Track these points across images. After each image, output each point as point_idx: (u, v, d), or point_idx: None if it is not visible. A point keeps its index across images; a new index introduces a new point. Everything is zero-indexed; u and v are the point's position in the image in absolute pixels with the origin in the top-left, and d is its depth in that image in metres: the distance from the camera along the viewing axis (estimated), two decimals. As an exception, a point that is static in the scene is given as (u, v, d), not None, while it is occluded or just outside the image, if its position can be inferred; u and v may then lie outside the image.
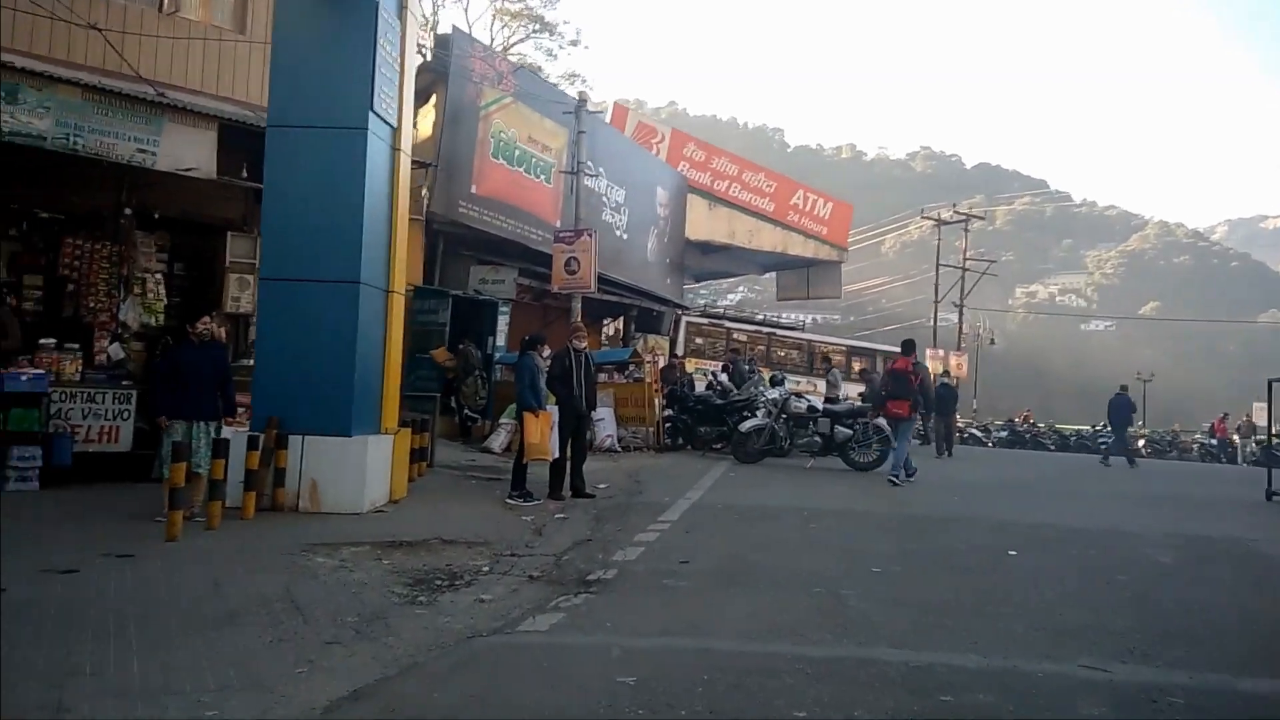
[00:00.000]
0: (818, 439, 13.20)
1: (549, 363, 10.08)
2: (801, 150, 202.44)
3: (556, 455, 9.87)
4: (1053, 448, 36.01)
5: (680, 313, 25.33)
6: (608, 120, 23.31)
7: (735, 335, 25.88)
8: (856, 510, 9.41)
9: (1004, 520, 9.16)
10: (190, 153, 10.33)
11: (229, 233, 11.52)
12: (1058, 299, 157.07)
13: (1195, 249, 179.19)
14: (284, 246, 8.37)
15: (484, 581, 5.93)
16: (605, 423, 14.92)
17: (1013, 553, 7.14)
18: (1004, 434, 37.43)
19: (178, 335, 10.47)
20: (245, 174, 10.84)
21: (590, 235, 17.22)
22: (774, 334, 26.50)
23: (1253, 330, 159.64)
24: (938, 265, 41.32)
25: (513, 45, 30.77)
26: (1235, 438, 30.61)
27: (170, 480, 6.88)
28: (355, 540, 7.00)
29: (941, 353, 35.79)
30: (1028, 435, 37.10)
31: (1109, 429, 24.03)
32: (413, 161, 15.19)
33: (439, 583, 5.83)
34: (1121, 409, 21.26)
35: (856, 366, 26.35)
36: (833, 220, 27.39)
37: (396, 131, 9.07)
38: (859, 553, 6.99)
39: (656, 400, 15.37)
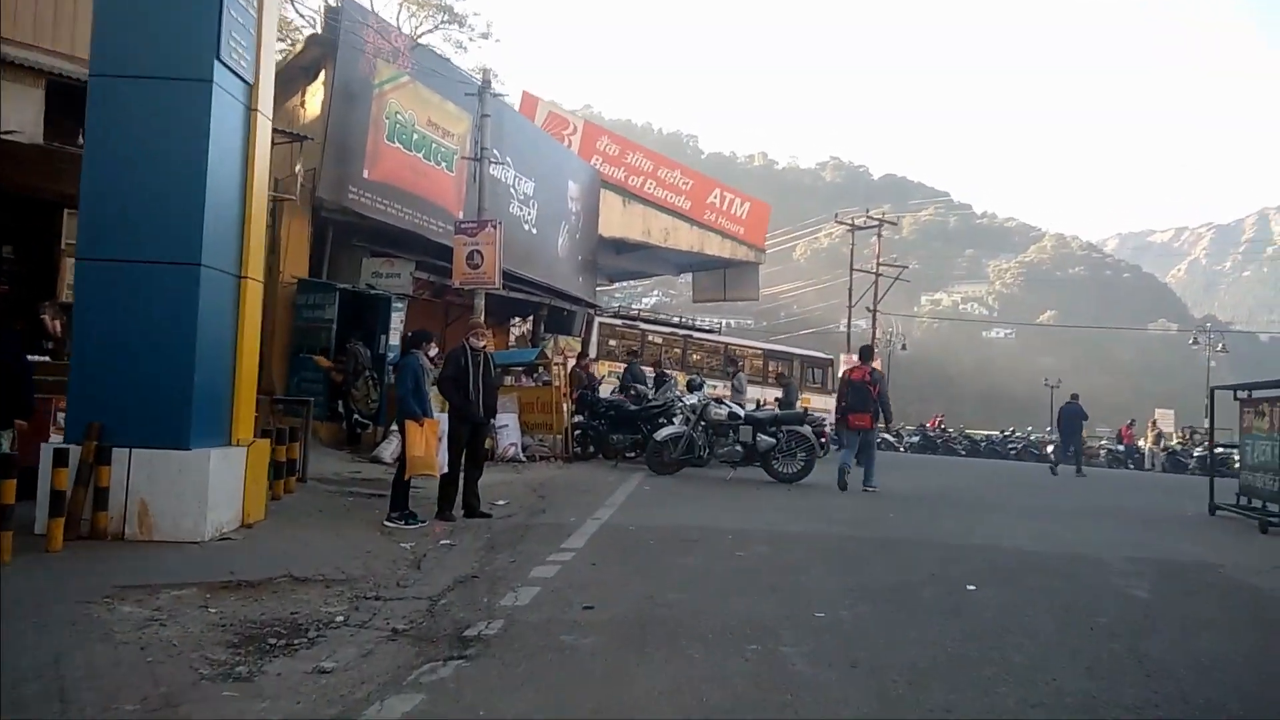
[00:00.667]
0: (739, 448, 12.17)
1: (441, 364, 8.79)
2: (715, 157, 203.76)
3: (446, 469, 8.58)
4: (963, 453, 36.02)
5: (593, 313, 24.17)
6: (517, 109, 21.99)
7: (650, 338, 24.83)
8: (788, 532, 8.35)
9: (950, 543, 8.24)
10: (12, 114, 8.72)
11: (65, 210, 9.87)
12: (960, 307, 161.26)
13: (1089, 260, 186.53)
14: (107, 220, 6.89)
15: (332, 638, 4.62)
16: (509, 430, 13.65)
17: (971, 587, 6.15)
18: (916, 439, 37.36)
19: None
20: (81, 141, 9.25)
21: (495, 226, 15.88)
22: (690, 337, 25.54)
23: (1144, 338, 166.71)
24: (851, 269, 41.10)
25: (420, 35, 29.15)
26: (1143, 444, 30.98)
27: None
28: (182, 580, 5.61)
29: (855, 358, 35.44)
30: (939, 440, 37.06)
31: (1058, 437, 23.81)
32: (286, 134, 13.76)
33: (272, 642, 4.50)
34: (1073, 417, 21.09)
35: (773, 370, 25.57)
36: (750, 220, 26.59)
37: (253, 89, 7.63)
38: (797, 590, 5.90)
39: (566, 406, 14.16)
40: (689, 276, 31.36)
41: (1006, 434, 37.47)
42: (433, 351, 8.51)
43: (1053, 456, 25.67)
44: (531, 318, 22.21)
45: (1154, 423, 30.56)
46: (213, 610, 5.06)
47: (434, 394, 8.88)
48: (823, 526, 8.77)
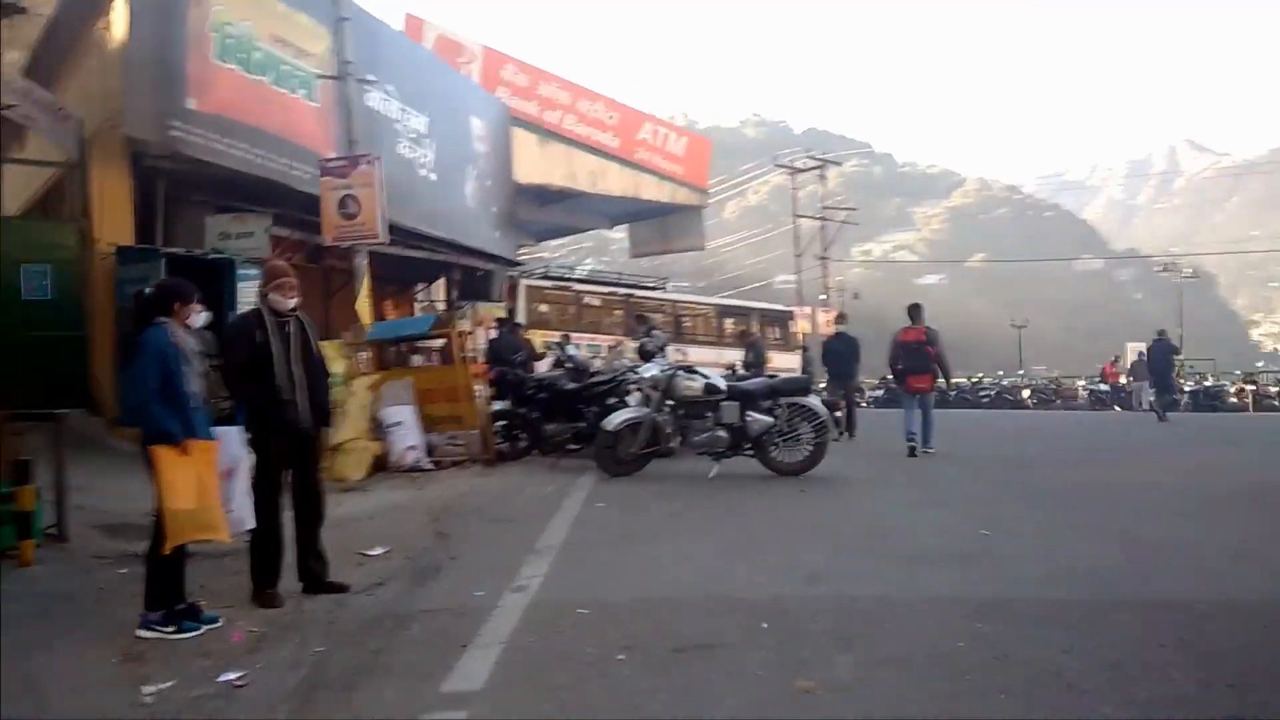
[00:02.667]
0: (723, 433, 8.62)
1: (223, 341, 5.12)
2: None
3: (254, 523, 4.91)
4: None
5: (516, 275, 20.43)
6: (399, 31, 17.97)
7: (587, 300, 21.17)
8: (867, 600, 4.78)
9: (1152, 597, 4.81)
10: None
11: None
12: (892, 256, 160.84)
13: (1011, 202, 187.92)
14: None
15: None
16: (404, 429, 9.91)
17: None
18: (880, 393, 34.43)
19: None
20: None
21: (371, 164, 12.05)
22: (633, 296, 21.92)
23: (1070, 275, 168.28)
24: (795, 215, 37.84)
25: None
26: (1125, 381, 28.37)
27: None
28: None
29: (809, 310, 32.27)
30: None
31: (1150, 380, 21.08)
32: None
33: None
34: (1165, 354, 19.20)
35: (731, 329, 22.16)
36: (689, 157, 22.94)
37: None
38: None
39: (479, 390, 10.45)
40: (625, 232, 27.57)
41: (976, 380, 34.76)
42: (197, 319, 4.70)
43: (1149, 403, 23.03)
44: (443, 280, 18.34)
45: (1143, 355, 27.64)
46: None
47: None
48: (920, 576, 5.19)
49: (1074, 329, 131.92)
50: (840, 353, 13.17)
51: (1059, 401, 31.23)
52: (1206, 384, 26.80)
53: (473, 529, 6.89)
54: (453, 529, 6.85)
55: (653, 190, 22.24)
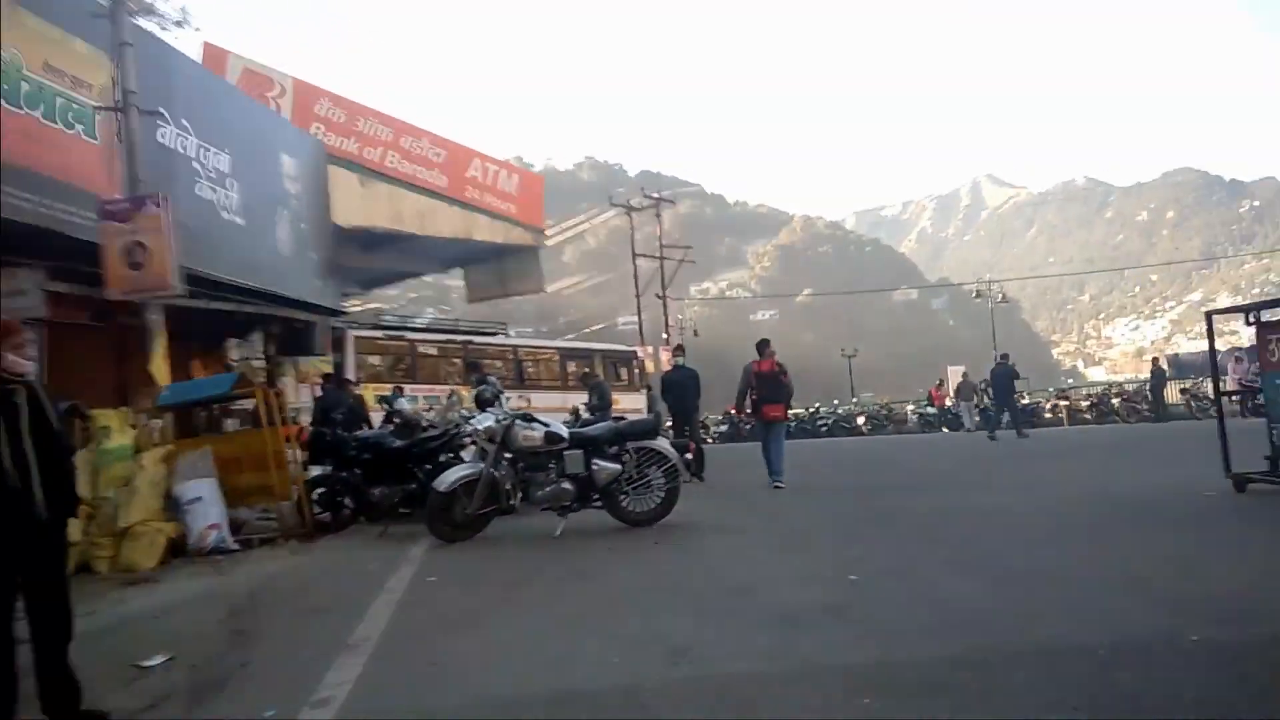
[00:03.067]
0: (568, 485, 7.87)
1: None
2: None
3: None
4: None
5: (344, 326, 19.09)
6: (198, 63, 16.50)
7: (422, 349, 20.03)
8: (725, 667, 4.16)
9: (1045, 642, 4.38)
10: None
11: None
12: (726, 293, 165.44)
13: (834, 238, 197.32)
14: None
15: None
16: (203, 506, 8.62)
17: None
18: (724, 428, 34.51)
19: None
20: None
21: (159, 204, 10.70)
22: (471, 343, 20.94)
23: (890, 305, 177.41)
24: (634, 254, 37.84)
25: None
26: (949, 402, 29.48)
27: None
28: None
29: (651, 349, 32.10)
30: (745, 426, 34.32)
31: (989, 402, 22.86)
32: None
33: None
34: (1005, 377, 20.38)
35: (574, 371, 21.48)
36: (522, 195, 22.21)
37: None
38: None
39: (292, 454, 9.28)
40: (461, 278, 26.43)
41: (813, 410, 35.42)
42: None
43: (976, 422, 25.06)
44: (260, 335, 16.80)
45: (965, 376, 28.76)
46: None
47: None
48: (794, 641, 4.52)
49: (896, 355, 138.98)
50: (680, 384, 12.69)
51: (890, 426, 32.17)
52: (1024, 402, 28.15)
53: (276, 623, 5.83)
54: (252, 625, 5.77)
55: (486, 230, 21.35)
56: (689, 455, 8.06)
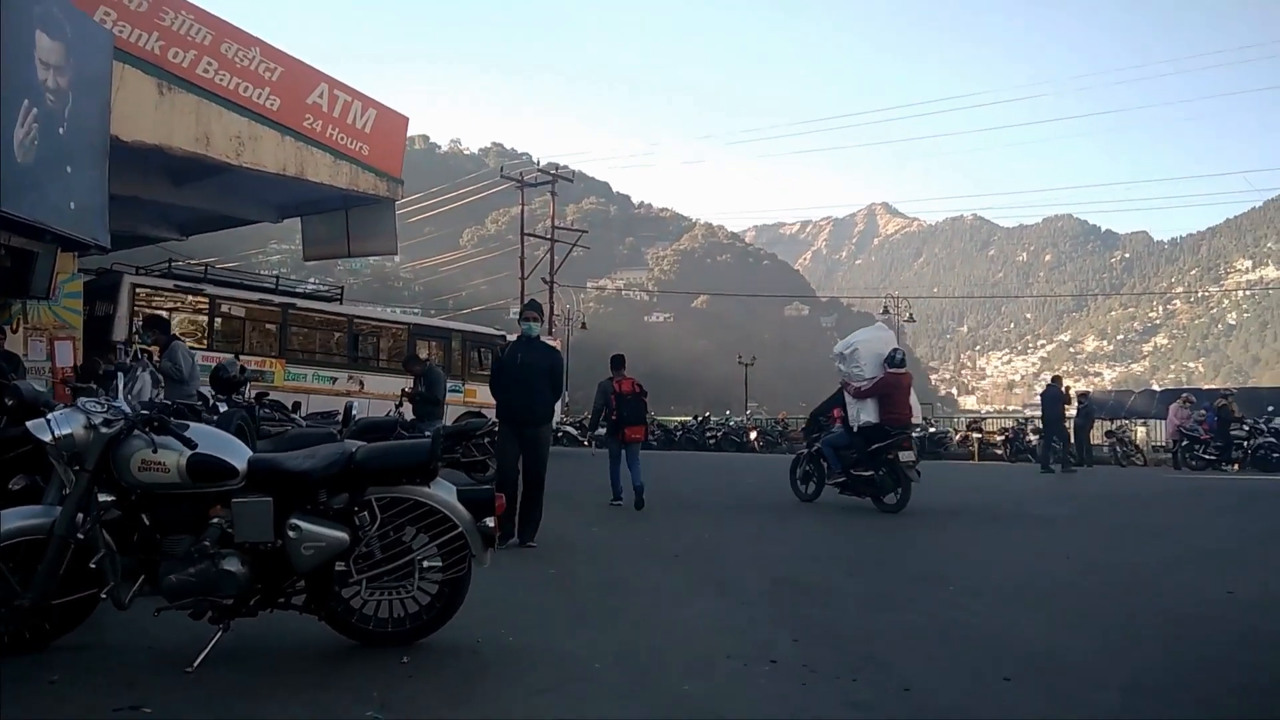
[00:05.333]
0: (234, 566, 3.69)
1: None
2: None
3: None
4: (655, 444, 29.97)
5: (122, 271, 14.53)
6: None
7: (225, 309, 15.55)
8: None
9: None
10: None
11: None
12: (624, 293, 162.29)
13: (734, 249, 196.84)
14: None
15: None
16: None
17: None
18: (602, 431, 30.77)
19: None
20: None
21: None
22: (294, 306, 16.56)
23: (782, 319, 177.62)
24: (522, 232, 33.74)
25: None
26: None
27: None
28: None
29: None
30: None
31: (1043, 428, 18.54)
32: None
33: None
34: (1054, 402, 17.56)
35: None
36: (379, 135, 17.79)
37: None
38: None
39: None
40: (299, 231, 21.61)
41: (702, 419, 32.01)
42: None
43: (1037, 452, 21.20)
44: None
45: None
46: None
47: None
48: None
49: (783, 369, 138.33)
50: (525, 370, 7.32)
51: (785, 445, 29.03)
52: (931, 430, 25.37)
53: None
54: None
55: (327, 171, 16.87)
56: (494, 515, 4.15)
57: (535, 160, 32.33)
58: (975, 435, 23.75)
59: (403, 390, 12.11)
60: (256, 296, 15.97)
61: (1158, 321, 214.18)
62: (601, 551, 7.34)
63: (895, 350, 10.58)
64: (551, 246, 33.88)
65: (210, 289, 15.41)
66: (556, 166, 34.10)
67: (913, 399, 10.71)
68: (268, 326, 16.24)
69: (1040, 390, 18.50)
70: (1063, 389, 17.86)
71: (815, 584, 5.99)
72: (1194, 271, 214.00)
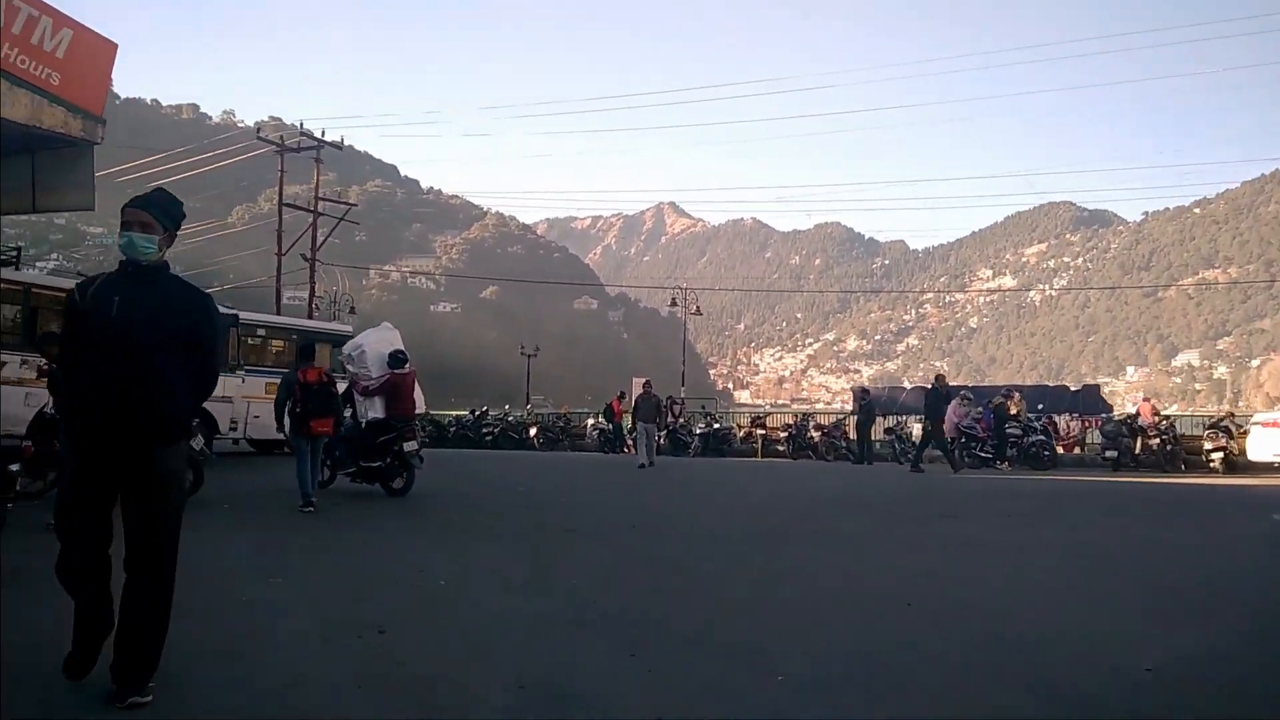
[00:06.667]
0: None
1: None
2: (133, 103, 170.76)
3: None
4: (426, 441, 27.32)
5: None
6: None
7: None
8: None
9: None
10: None
11: None
12: (409, 281, 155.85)
13: (525, 241, 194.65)
14: None
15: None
16: None
17: None
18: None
19: None
20: None
21: None
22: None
23: (571, 313, 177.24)
24: (280, 200, 29.91)
25: None
26: (626, 421, 25.07)
27: None
28: None
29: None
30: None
31: (924, 424, 16.63)
32: None
33: None
34: (941, 401, 16.85)
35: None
36: (74, 63, 14.13)
37: None
38: None
39: None
40: None
41: (479, 414, 29.63)
42: None
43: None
44: None
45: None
46: None
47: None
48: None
49: (570, 362, 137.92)
50: (128, 328, 3.47)
51: (566, 441, 27.32)
52: (715, 426, 24.45)
53: None
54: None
55: (4, 105, 13.24)
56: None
57: (317, 139, 28.49)
58: (759, 432, 22.99)
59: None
60: None
61: (910, 323, 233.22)
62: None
63: (397, 351, 11.15)
64: (314, 219, 30.23)
65: None
66: (323, 132, 30.50)
67: (417, 392, 11.48)
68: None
69: (910, 387, 17.75)
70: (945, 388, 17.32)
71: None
72: (943, 279, 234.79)
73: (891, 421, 22.64)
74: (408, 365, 11.09)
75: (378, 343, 11.48)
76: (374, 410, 10.79)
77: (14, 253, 14.18)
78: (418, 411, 11.44)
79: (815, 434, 21.77)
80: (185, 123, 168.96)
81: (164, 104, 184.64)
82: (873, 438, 20.26)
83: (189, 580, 3.84)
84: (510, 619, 4.77)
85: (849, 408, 25.01)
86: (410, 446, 10.46)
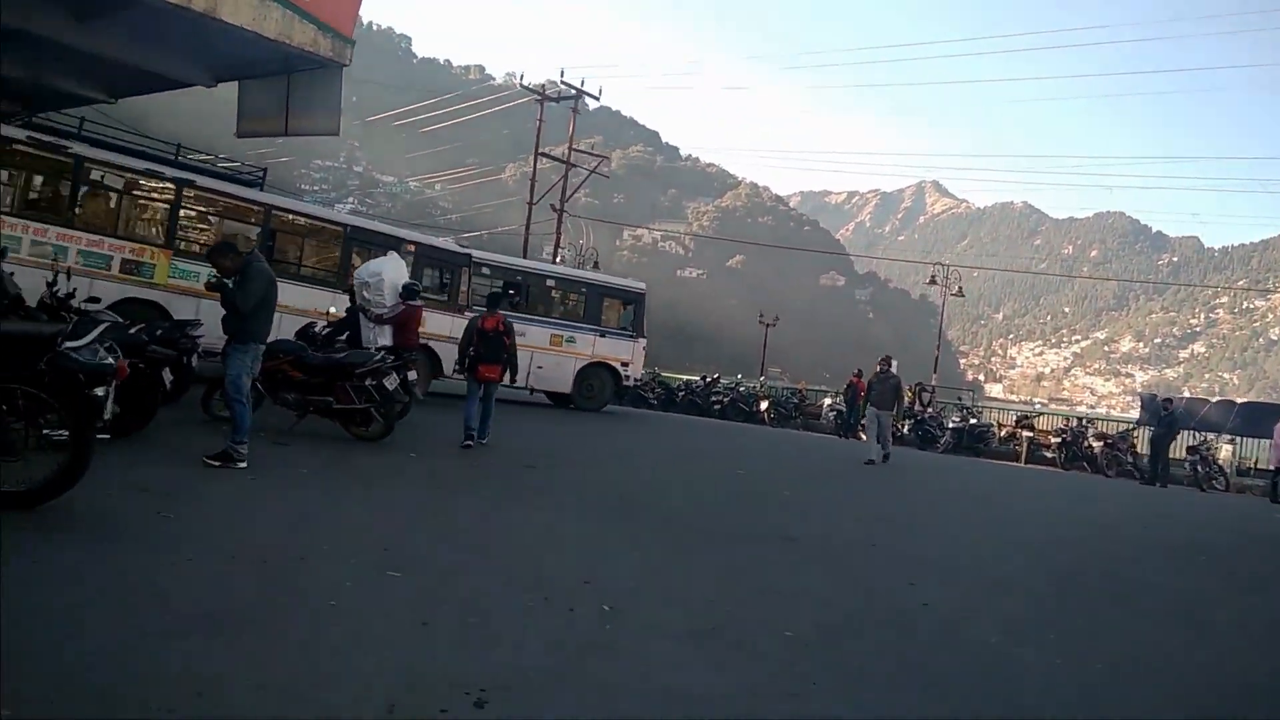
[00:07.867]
0: None
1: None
2: (428, 63, 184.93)
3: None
4: (655, 403, 26.12)
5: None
6: None
7: (99, 176, 11.82)
8: None
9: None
10: None
11: None
12: (660, 245, 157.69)
13: (776, 212, 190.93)
14: None
15: None
16: None
17: None
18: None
19: None
20: None
21: None
22: (192, 184, 12.67)
23: (815, 288, 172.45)
24: (536, 149, 29.70)
25: None
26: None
27: None
28: None
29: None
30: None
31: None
32: None
33: None
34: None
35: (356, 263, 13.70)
36: (328, -16, 13.84)
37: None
38: None
39: None
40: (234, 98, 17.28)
41: (710, 380, 28.04)
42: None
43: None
44: None
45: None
46: None
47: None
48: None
49: (811, 339, 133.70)
50: None
51: (800, 419, 25.10)
52: (972, 422, 21.29)
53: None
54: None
55: (248, 12, 12.88)
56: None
57: (587, 105, 28.14)
58: (1025, 434, 19.64)
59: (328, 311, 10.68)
60: (142, 165, 12.19)
61: (1198, 329, 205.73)
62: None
63: (411, 283, 11.24)
64: (566, 169, 29.79)
65: (79, 148, 11.65)
66: (582, 82, 29.90)
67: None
68: (155, 206, 12.52)
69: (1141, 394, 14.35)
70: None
71: None
72: (1241, 282, 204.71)
73: (1194, 439, 18.58)
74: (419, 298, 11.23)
75: (394, 272, 11.36)
76: (383, 338, 10.85)
77: (260, 173, 14.03)
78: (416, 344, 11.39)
79: (1095, 443, 18.17)
80: (471, 83, 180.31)
81: (454, 64, 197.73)
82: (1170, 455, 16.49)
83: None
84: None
85: (1125, 415, 21.03)
86: (412, 376, 10.38)
